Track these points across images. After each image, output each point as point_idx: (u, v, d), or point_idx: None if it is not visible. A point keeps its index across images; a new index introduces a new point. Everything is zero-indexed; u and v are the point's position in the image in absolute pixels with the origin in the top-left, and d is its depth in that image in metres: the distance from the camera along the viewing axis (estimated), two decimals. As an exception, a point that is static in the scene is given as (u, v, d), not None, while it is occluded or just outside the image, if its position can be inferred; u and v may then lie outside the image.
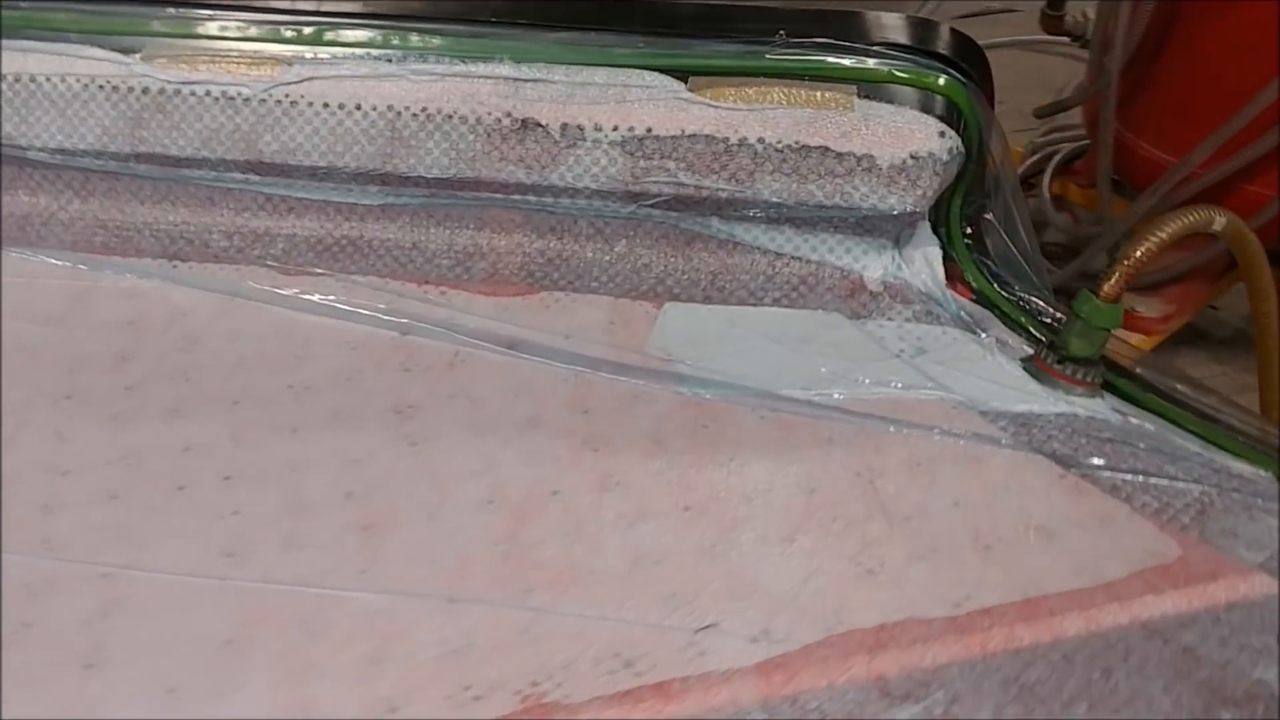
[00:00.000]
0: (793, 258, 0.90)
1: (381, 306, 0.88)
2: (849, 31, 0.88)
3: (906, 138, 0.84)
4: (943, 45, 0.87)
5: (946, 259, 0.91)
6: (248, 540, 0.68)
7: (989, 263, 0.90)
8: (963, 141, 0.86)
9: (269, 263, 0.93)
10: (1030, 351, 0.85)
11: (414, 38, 0.88)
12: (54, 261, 0.92)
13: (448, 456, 0.75)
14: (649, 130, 0.85)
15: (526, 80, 0.87)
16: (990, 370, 0.83)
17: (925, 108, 0.86)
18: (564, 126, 0.86)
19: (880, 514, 0.71)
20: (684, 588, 0.66)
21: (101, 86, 0.87)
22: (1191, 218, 0.78)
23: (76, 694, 0.58)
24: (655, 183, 0.87)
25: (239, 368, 0.83)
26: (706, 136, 0.85)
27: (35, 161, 0.92)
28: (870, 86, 0.86)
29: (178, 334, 0.85)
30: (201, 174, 0.92)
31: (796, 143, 0.84)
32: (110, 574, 0.65)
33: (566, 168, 0.87)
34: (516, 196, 0.90)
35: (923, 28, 0.88)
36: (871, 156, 0.84)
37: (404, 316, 0.88)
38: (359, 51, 0.88)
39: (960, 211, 0.90)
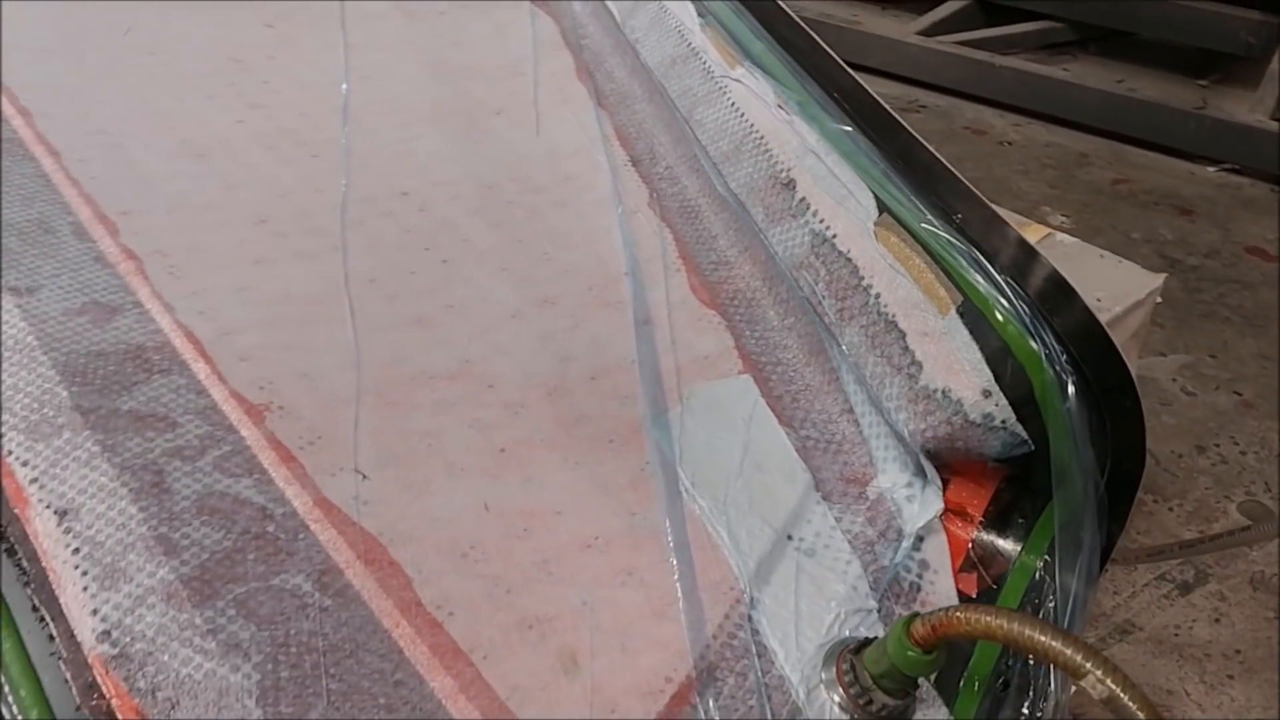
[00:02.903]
0: (846, 405, 0.92)
1: None
2: (1023, 261, 0.82)
3: (954, 372, 0.80)
4: (1078, 339, 0.77)
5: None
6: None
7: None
8: (1028, 435, 0.77)
9: None
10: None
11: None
12: None
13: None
14: (834, 235, 0.94)
15: (813, 150, 1.01)
16: (812, 614, 0.78)
17: (1003, 373, 0.79)
18: (802, 200, 1.00)
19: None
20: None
21: None
22: (1062, 651, 0.62)
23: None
24: (804, 279, 0.96)
25: None
26: (853, 267, 0.91)
27: None
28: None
29: None
30: None
31: (891, 316, 0.86)
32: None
33: (781, 228, 1.01)
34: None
35: (1077, 310, 0.78)
36: (919, 366, 0.82)
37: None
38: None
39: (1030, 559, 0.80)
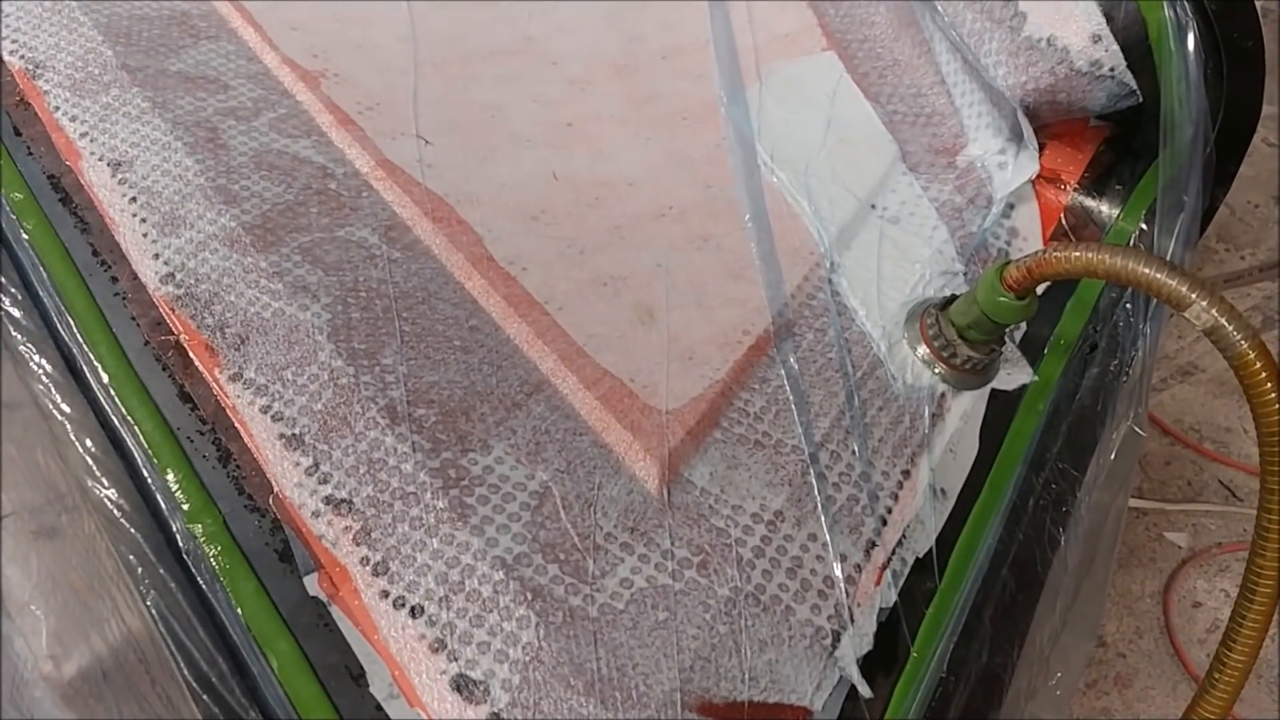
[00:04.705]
0: (938, 76, 0.86)
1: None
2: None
3: (1061, 19, 0.73)
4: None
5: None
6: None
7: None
8: (1138, 86, 0.71)
9: None
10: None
11: None
12: None
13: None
14: None
15: None
16: (895, 276, 0.76)
17: (1116, 16, 0.71)
18: None
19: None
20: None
21: None
22: (1168, 282, 0.58)
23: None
24: None
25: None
26: None
27: None
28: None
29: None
30: None
31: (992, -38, 0.78)
32: None
33: None
34: None
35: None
36: (1023, 16, 0.75)
37: None
38: None
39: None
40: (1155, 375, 1.81)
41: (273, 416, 0.59)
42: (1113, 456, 0.67)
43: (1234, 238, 2.14)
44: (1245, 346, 0.55)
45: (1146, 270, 0.57)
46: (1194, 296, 0.56)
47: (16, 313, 0.64)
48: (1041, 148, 0.78)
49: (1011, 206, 0.78)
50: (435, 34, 0.92)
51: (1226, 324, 0.56)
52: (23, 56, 0.79)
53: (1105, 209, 0.76)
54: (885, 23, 0.92)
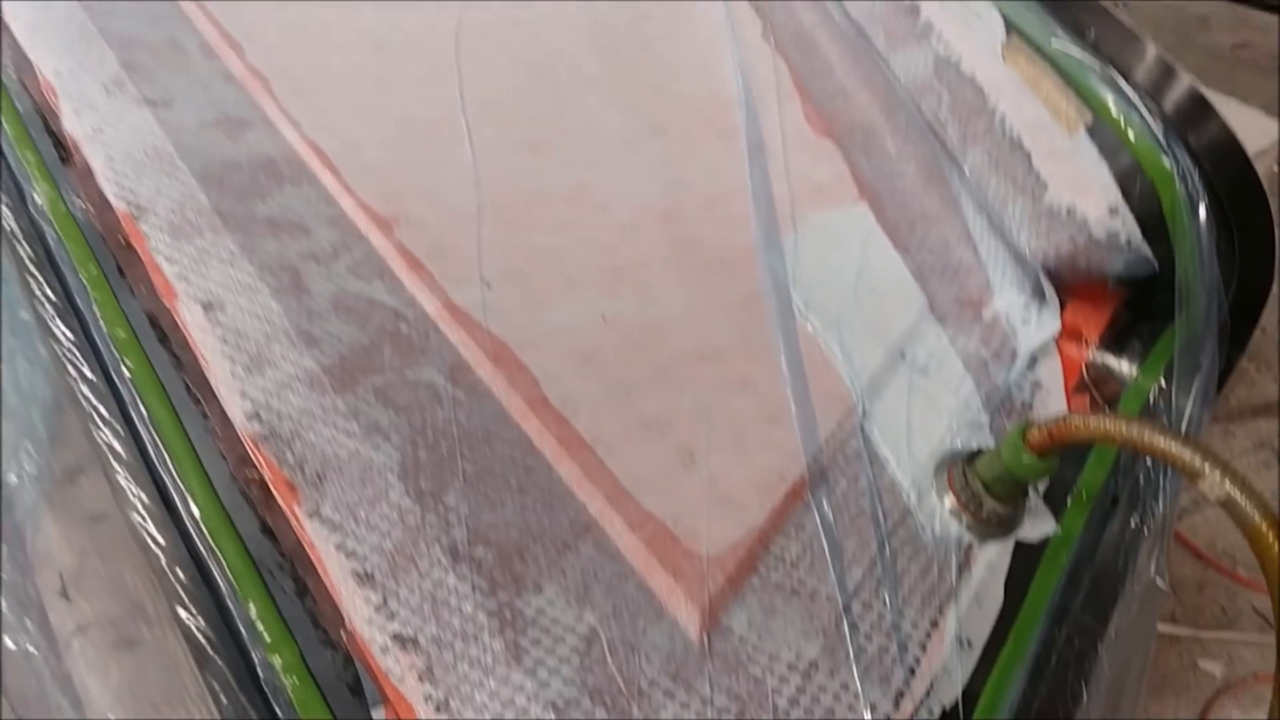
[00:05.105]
0: (964, 230, 0.91)
1: None
2: (1151, 72, 0.79)
3: (1080, 190, 0.79)
4: (1213, 155, 0.74)
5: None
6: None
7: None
8: (1153, 255, 0.76)
9: None
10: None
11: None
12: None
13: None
14: (959, 58, 0.92)
15: None
16: (924, 426, 0.81)
17: (1132, 191, 0.77)
18: (926, 23, 0.97)
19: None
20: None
21: None
22: (1181, 453, 0.63)
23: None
24: (926, 104, 0.94)
25: None
26: (978, 90, 0.89)
27: None
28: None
29: None
30: None
31: (1017, 136, 0.84)
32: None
33: (904, 54, 0.99)
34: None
35: (1213, 126, 0.75)
36: (1044, 185, 0.81)
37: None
38: None
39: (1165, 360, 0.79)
40: (1187, 498, 1.82)
41: (346, 553, 0.64)
42: (1135, 610, 0.71)
43: (1265, 357, 2.16)
44: (1258, 519, 0.59)
45: (1161, 441, 0.61)
46: (1207, 468, 0.60)
47: (117, 446, 0.70)
48: (1063, 304, 0.84)
49: (1035, 360, 0.82)
50: (497, 180, 0.99)
51: (1239, 497, 0.59)
52: (127, 201, 0.87)
53: (1125, 366, 0.81)
54: (914, 175, 0.99)
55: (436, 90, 1.09)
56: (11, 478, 0.92)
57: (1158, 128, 0.77)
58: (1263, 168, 1.43)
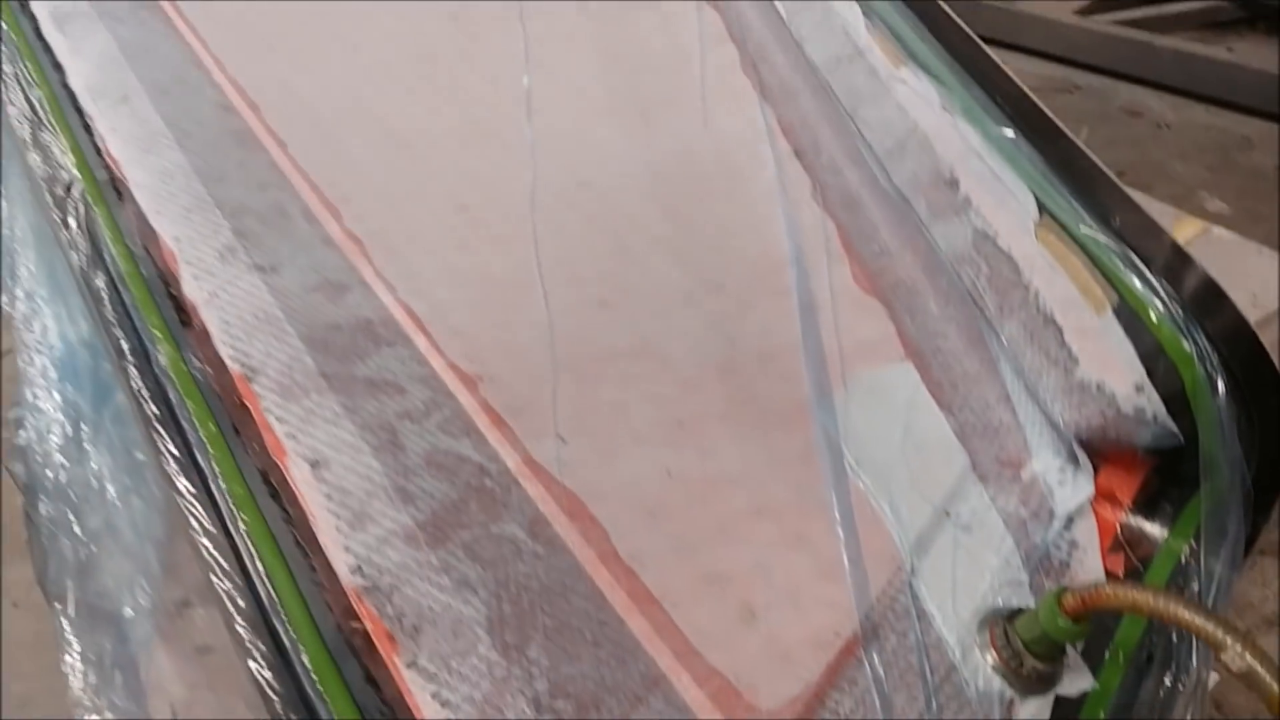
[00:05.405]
0: (1004, 392, 0.98)
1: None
2: (1178, 265, 0.87)
3: (1109, 368, 0.86)
4: (1229, 340, 0.81)
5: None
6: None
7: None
8: (1179, 430, 0.83)
9: None
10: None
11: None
12: None
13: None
14: (996, 233, 1.00)
15: (975, 151, 1.07)
16: (967, 583, 0.86)
17: (1155, 370, 0.84)
18: (965, 198, 1.06)
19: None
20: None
21: None
22: (1205, 625, 0.68)
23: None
24: (965, 273, 1.03)
25: None
26: (1014, 264, 0.97)
27: None
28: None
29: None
30: None
31: (1050, 312, 0.92)
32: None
33: (944, 224, 1.08)
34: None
35: (1229, 313, 0.83)
36: (1075, 360, 0.88)
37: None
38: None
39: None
40: (1239, 623, 1.83)
41: (441, 703, 0.71)
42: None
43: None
44: (1278, 689, 0.64)
45: (1186, 614, 0.67)
46: (1229, 641, 0.66)
47: (236, 596, 0.79)
48: (1096, 469, 0.90)
49: (1071, 520, 0.88)
50: (570, 336, 1.08)
51: (1259, 669, 0.65)
52: (241, 363, 0.97)
53: (1156, 528, 0.86)
54: (956, 336, 1.06)
55: (515, 251, 1.19)
56: (127, 610, 1.01)
57: (1177, 312, 0.84)
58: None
